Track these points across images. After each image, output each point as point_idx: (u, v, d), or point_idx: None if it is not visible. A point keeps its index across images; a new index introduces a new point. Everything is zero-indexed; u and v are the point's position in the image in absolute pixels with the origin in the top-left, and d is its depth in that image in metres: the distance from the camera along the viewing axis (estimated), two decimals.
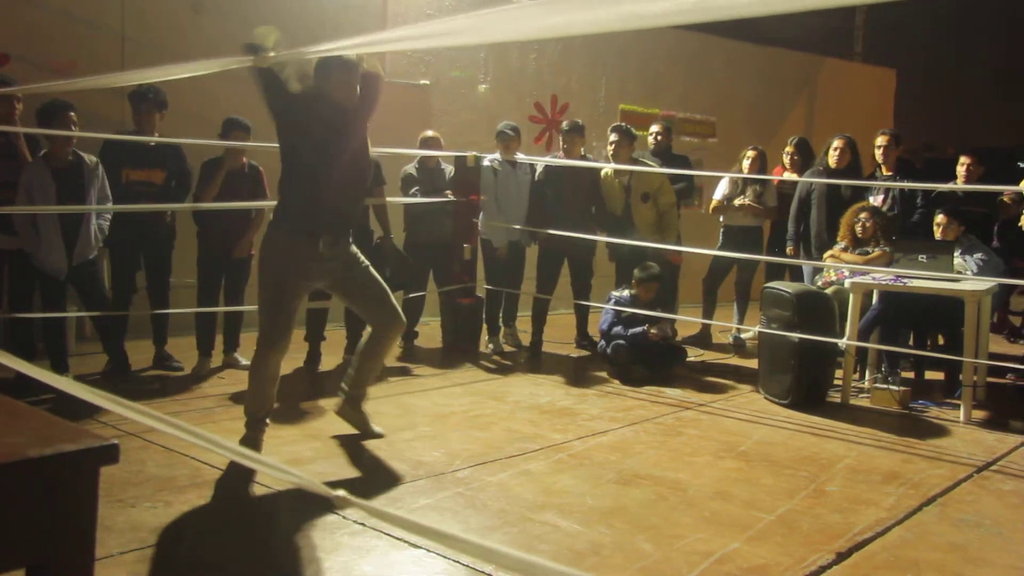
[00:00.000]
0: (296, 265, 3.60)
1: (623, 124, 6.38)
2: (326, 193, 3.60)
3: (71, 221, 4.70)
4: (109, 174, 4.90)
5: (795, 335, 4.80)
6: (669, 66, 9.72)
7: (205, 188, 5.18)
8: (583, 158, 6.42)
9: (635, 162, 6.24)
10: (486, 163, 6.38)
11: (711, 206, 7.12)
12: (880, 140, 6.09)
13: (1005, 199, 6.63)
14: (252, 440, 3.68)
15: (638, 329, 5.47)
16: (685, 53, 9.79)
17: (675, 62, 9.75)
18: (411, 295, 5.95)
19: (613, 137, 6.19)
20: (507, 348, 6.46)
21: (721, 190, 7.05)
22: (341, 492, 1.40)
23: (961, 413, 4.75)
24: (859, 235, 5.62)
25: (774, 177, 6.97)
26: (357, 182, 3.80)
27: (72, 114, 4.67)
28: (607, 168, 6.32)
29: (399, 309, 3.88)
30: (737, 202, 6.87)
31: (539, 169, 6.41)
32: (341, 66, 3.62)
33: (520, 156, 6.46)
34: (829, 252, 5.80)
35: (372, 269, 3.84)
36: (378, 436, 3.96)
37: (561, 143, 6.42)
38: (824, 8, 1.20)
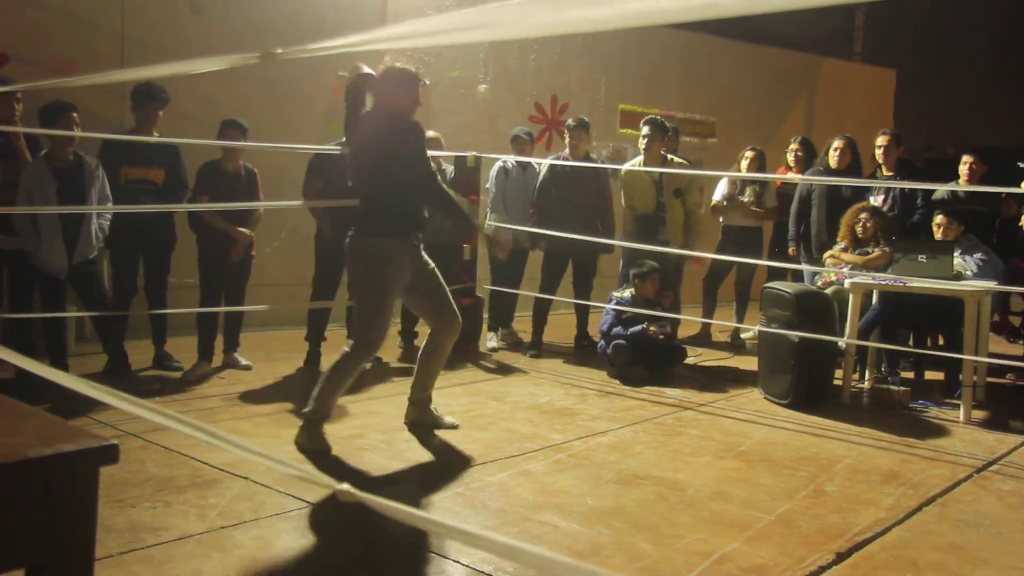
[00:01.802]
0: (399, 267, 3.82)
1: (657, 117, 6.31)
2: (407, 197, 3.85)
3: (72, 221, 4.70)
4: (108, 173, 4.90)
5: (795, 335, 4.80)
6: (669, 66, 9.72)
7: (202, 195, 5.19)
8: (587, 156, 6.42)
9: (665, 157, 6.21)
10: (499, 164, 6.44)
11: (711, 206, 7.13)
12: (881, 140, 6.09)
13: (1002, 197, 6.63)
14: (312, 435, 3.77)
15: (637, 328, 5.47)
16: (685, 53, 9.79)
17: (675, 62, 9.76)
18: None
19: (645, 130, 6.12)
20: (507, 348, 6.46)
21: (720, 190, 7.06)
22: (345, 485, 1.40)
23: (961, 413, 4.75)
24: (859, 235, 5.63)
25: (775, 176, 6.98)
26: (425, 185, 3.96)
27: (75, 115, 4.67)
28: (631, 164, 6.30)
29: (458, 312, 4.05)
30: (747, 198, 6.86)
31: (543, 169, 6.40)
32: (406, 79, 3.79)
33: (530, 158, 6.51)
34: (829, 252, 5.80)
35: (439, 272, 4.05)
36: (453, 427, 4.12)
37: (568, 140, 6.40)
38: (825, 6, 1.20)
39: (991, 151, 6.67)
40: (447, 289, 4.05)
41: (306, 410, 3.80)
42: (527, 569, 2.49)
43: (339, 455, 3.73)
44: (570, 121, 6.43)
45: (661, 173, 6.11)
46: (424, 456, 3.74)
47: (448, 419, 4.18)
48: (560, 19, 1.45)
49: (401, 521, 1.47)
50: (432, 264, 4.01)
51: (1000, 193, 6.43)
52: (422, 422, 4.14)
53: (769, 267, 6.97)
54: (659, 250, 5.74)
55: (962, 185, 6.28)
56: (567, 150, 6.41)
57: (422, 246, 3.98)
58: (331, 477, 3.56)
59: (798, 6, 1.22)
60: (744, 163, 6.89)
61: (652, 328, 5.46)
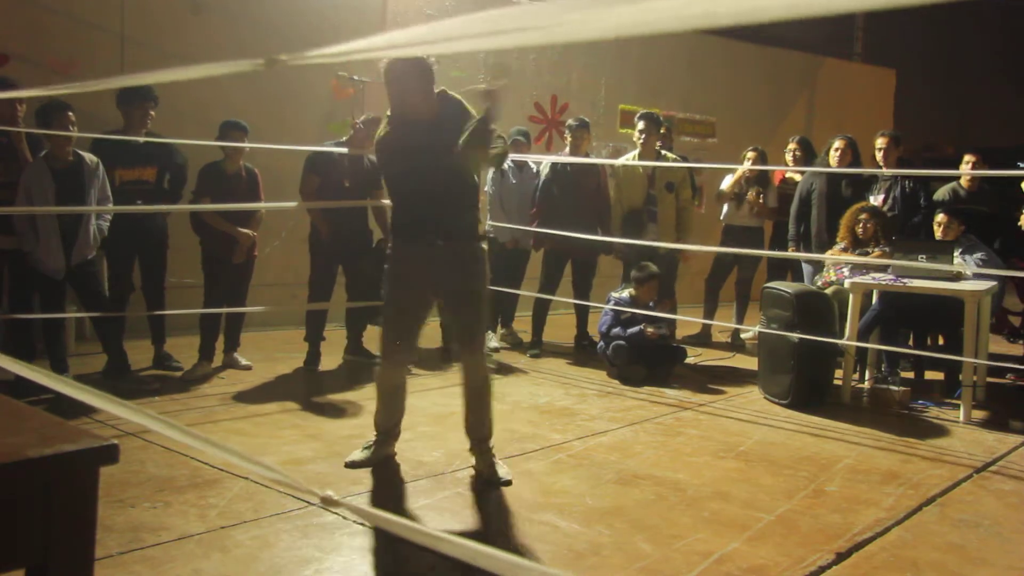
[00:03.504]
0: (405, 271, 3.47)
1: (651, 112, 6.39)
2: (418, 201, 3.42)
3: (70, 221, 4.69)
4: None
5: (795, 335, 4.80)
6: (669, 66, 9.72)
7: (204, 197, 5.18)
8: (586, 156, 6.44)
9: (659, 153, 6.29)
10: None
11: (716, 194, 7.14)
12: (880, 142, 6.09)
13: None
14: (375, 451, 3.59)
15: (635, 329, 5.47)
16: (685, 53, 9.80)
17: (675, 62, 9.76)
18: None
19: (641, 125, 6.22)
20: (507, 348, 6.46)
21: (723, 188, 7.09)
22: (329, 493, 1.39)
23: (961, 413, 4.75)
24: (859, 236, 5.62)
25: (778, 168, 6.98)
26: (449, 189, 3.42)
27: (70, 114, 4.67)
28: (626, 158, 6.35)
29: (479, 350, 3.49)
30: (749, 196, 6.86)
31: (544, 169, 6.41)
32: (409, 72, 3.38)
33: (526, 156, 6.52)
34: (829, 252, 5.80)
35: (480, 301, 3.50)
36: (505, 483, 3.41)
37: (569, 139, 6.41)
38: (829, 14, 1.19)
39: (991, 151, 6.67)
40: (475, 322, 3.48)
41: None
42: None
43: (338, 455, 3.73)
44: (571, 121, 6.44)
45: (654, 168, 6.17)
46: (423, 456, 3.74)
47: (503, 472, 3.46)
48: (562, 27, 1.44)
49: (384, 527, 1.46)
50: (475, 287, 3.48)
51: (997, 194, 6.44)
52: (479, 471, 3.50)
53: (769, 268, 6.98)
54: (655, 244, 5.75)
55: (964, 185, 6.29)
56: (567, 149, 6.42)
57: (465, 259, 3.45)
58: (329, 477, 3.56)
59: (797, 15, 1.22)
60: (746, 164, 6.90)
61: (649, 329, 5.46)
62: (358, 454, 3.62)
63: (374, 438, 3.65)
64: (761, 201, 6.84)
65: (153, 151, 5.17)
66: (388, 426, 3.66)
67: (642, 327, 5.46)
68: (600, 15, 1.26)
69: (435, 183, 3.36)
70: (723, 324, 7.10)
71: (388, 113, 3.50)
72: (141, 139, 5.07)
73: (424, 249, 3.41)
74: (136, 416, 1.59)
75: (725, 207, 7.05)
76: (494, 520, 3.04)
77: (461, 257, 3.45)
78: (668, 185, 6.23)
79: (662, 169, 6.19)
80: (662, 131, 6.62)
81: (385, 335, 3.52)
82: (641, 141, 6.23)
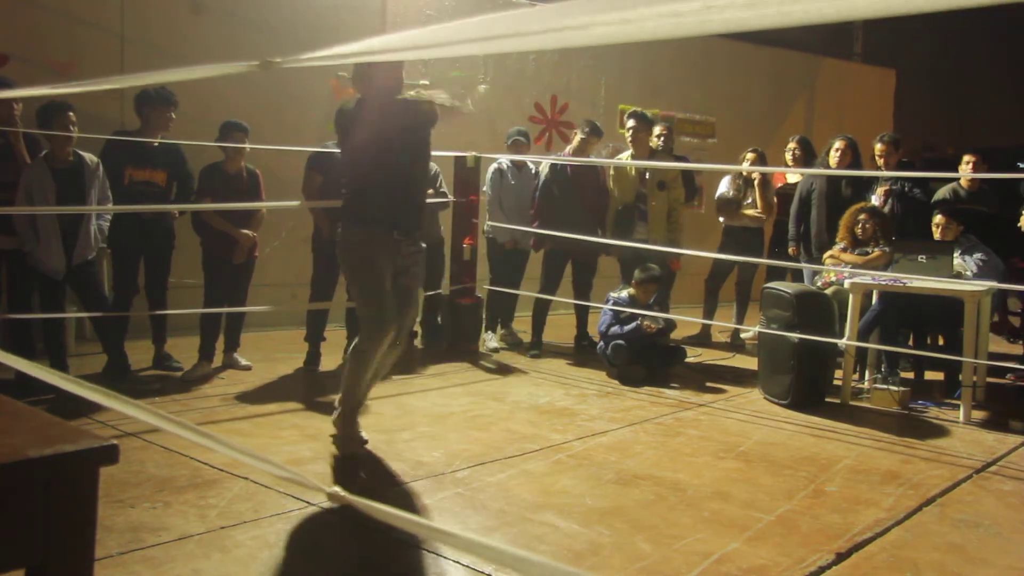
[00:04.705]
0: (376, 251, 3.68)
1: (639, 110, 6.39)
2: (392, 188, 3.71)
3: (70, 221, 4.70)
4: (112, 174, 4.90)
5: (795, 335, 4.80)
6: (669, 66, 9.72)
7: (205, 197, 5.18)
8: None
9: (653, 151, 6.29)
10: (494, 167, 6.46)
11: (716, 200, 7.13)
12: (879, 148, 6.08)
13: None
14: (349, 437, 3.72)
15: (631, 325, 5.47)
16: (685, 53, 9.79)
17: (675, 62, 9.76)
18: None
19: (631, 123, 6.22)
20: (507, 348, 6.46)
21: (722, 191, 7.08)
22: (335, 488, 1.39)
23: (961, 413, 4.75)
24: (859, 236, 5.62)
25: (778, 169, 6.98)
26: (417, 177, 3.84)
27: (71, 114, 4.67)
28: (622, 156, 6.35)
29: (397, 317, 3.72)
30: (747, 207, 6.85)
31: (544, 170, 6.40)
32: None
33: (526, 157, 6.51)
34: (829, 252, 5.80)
35: (419, 276, 3.92)
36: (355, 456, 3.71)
37: (578, 140, 6.39)
38: (824, 22, 1.20)
39: (991, 151, 6.67)
40: (413, 295, 3.84)
41: (333, 416, 3.75)
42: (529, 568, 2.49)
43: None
44: (584, 125, 6.39)
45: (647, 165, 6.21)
46: (424, 456, 3.74)
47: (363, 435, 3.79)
48: (558, 36, 1.44)
49: (391, 524, 1.46)
50: (420, 265, 3.87)
51: (997, 193, 6.44)
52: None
53: (768, 268, 6.98)
54: (653, 248, 5.75)
55: (964, 186, 6.29)
56: (567, 149, 6.41)
57: (413, 247, 3.81)
58: (332, 477, 3.56)
59: (792, 23, 1.22)
60: (745, 165, 6.90)
61: (646, 322, 5.45)
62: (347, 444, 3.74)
63: (342, 410, 3.73)
64: (760, 182, 6.84)
65: (166, 156, 5.18)
66: (360, 398, 3.77)
67: (639, 322, 5.46)
68: (602, 20, 1.25)
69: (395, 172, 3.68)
70: (723, 324, 7.10)
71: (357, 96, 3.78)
72: (155, 141, 5.08)
73: (382, 235, 3.68)
74: (145, 415, 1.59)
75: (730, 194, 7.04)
76: (494, 520, 3.04)
77: (409, 252, 3.78)
78: (660, 184, 6.24)
79: (655, 168, 6.21)
80: (662, 131, 6.58)
81: (370, 306, 3.67)
82: (631, 139, 6.26)
